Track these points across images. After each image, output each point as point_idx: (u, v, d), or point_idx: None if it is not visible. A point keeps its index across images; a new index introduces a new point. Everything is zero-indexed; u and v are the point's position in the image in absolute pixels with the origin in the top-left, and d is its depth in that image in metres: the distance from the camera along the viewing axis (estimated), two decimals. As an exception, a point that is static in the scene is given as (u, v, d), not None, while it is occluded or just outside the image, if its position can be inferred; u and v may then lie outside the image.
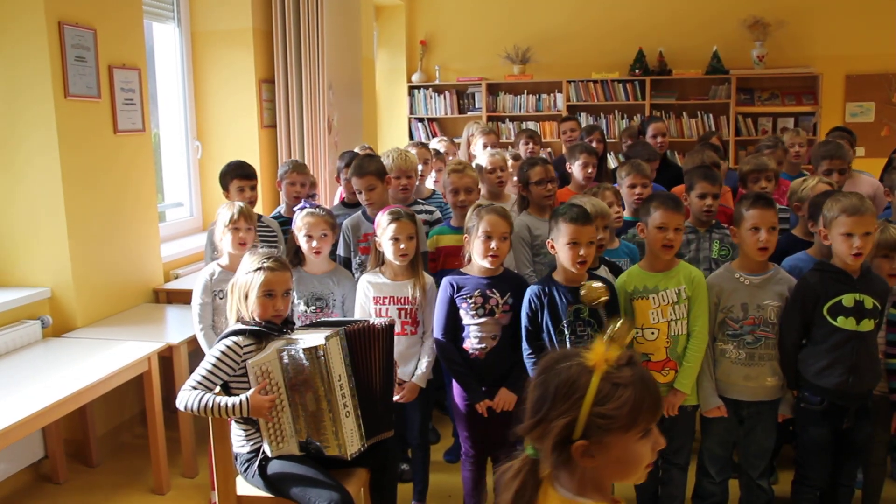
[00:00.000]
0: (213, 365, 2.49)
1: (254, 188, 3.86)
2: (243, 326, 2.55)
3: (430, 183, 4.51)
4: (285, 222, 3.97)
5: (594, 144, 4.89)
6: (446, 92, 8.51)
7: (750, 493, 3.07)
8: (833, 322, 2.76)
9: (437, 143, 5.02)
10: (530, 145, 4.94)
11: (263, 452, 2.56)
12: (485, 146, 4.68)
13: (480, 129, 5.09)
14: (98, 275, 3.93)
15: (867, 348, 2.78)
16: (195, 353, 3.37)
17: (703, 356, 2.89)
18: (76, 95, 3.72)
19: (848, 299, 2.75)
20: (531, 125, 8.15)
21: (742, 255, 2.96)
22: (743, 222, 2.89)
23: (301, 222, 3.17)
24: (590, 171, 4.18)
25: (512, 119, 8.33)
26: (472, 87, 8.45)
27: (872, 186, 4.30)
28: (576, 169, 4.20)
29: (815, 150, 4.19)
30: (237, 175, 3.83)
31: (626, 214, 3.67)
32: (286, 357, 2.48)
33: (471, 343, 2.93)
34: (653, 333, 2.90)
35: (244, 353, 2.52)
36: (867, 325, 2.75)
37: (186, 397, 2.46)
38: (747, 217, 2.87)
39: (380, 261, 3.14)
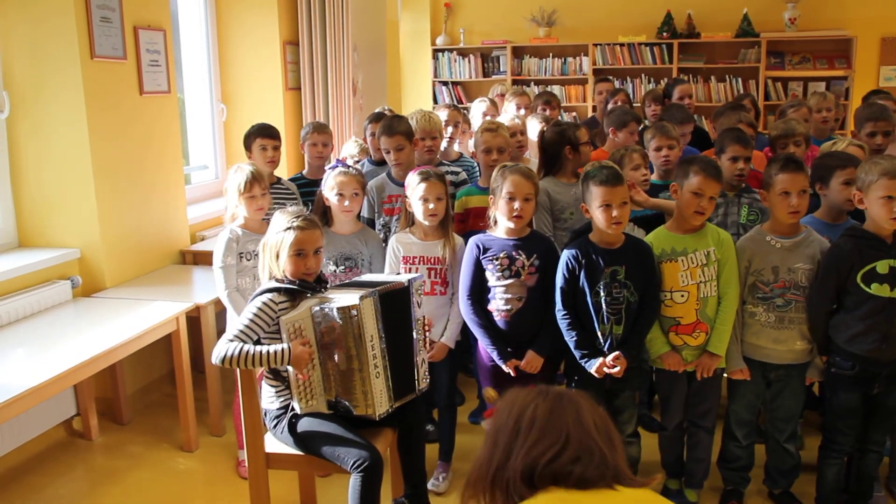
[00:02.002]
0: (251, 320, 2.50)
1: (276, 148, 3.81)
2: (277, 284, 2.56)
3: (458, 145, 4.48)
4: (308, 184, 3.97)
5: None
6: (471, 55, 8.42)
7: (776, 457, 3.06)
8: (867, 289, 2.71)
9: (478, 103, 4.93)
10: (547, 111, 4.88)
11: (293, 409, 2.58)
12: (518, 108, 4.64)
13: (513, 91, 5.04)
14: (126, 236, 3.96)
15: None
16: (222, 314, 3.40)
17: (734, 318, 2.87)
18: (102, 56, 3.72)
19: (882, 266, 2.70)
20: (556, 89, 8.06)
21: (773, 219, 2.91)
22: (773, 186, 2.83)
23: (333, 181, 3.16)
24: (636, 138, 4.13)
25: (537, 83, 8.22)
26: (496, 51, 8.36)
27: None
28: (622, 135, 4.14)
29: (859, 112, 4.10)
30: (259, 134, 3.80)
31: (653, 178, 3.62)
32: (319, 315, 2.49)
33: (496, 304, 2.93)
34: (682, 296, 2.87)
35: (279, 310, 2.53)
36: None
37: (225, 348, 2.44)
38: (777, 181, 2.81)
39: (410, 221, 3.14)
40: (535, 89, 8.09)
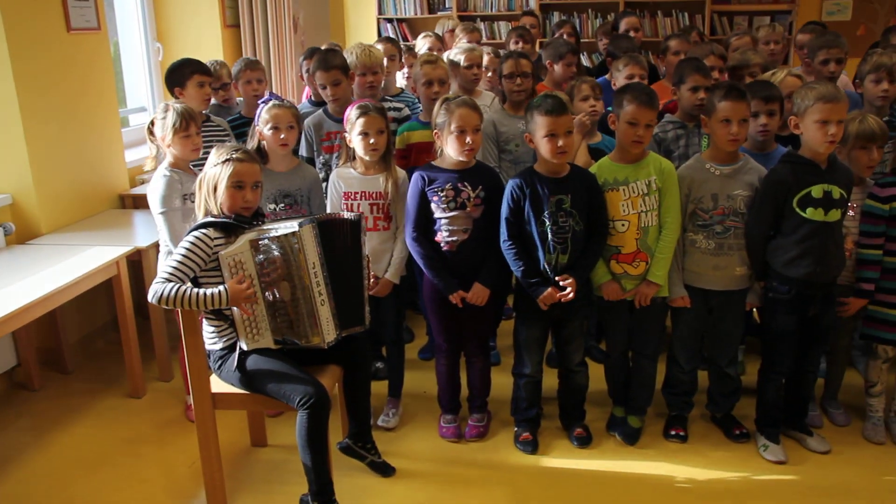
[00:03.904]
0: (184, 256, 2.44)
1: (213, 86, 3.69)
2: (212, 219, 2.50)
3: (400, 81, 4.40)
4: (246, 123, 3.84)
5: (565, 38, 4.79)
6: (416, -10, 8.23)
7: (718, 382, 3.15)
8: (802, 214, 2.76)
9: (422, 39, 4.83)
10: (520, 44, 4.80)
11: (240, 348, 2.55)
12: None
13: (464, 27, 4.95)
14: (60, 180, 3.83)
15: (834, 238, 2.80)
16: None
17: (674, 247, 2.90)
18: (22, -10, 3.53)
19: (817, 190, 2.74)
20: (502, 25, 7.97)
21: (712, 146, 2.93)
22: (715, 113, 2.84)
23: (268, 114, 3.06)
24: (573, 70, 4.10)
25: (483, 18, 8.09)
26: (442, -14, 8.18)
27: (842, 83, 4.28)
28: (559, 68, 4.10)
29: (812, 41, 4.13)
30: (199, 69, 3.59)
31: None
32: (258, 247, 2.45)
33: (442, 237, 2.91)
34: (623, 225, 2.89)
35: (214, 246, 2.47)
36: (835, 214, 2.76)
37: (161, 289, 2.38)
38: (719, 109, 2.82)
39: (350, 156, 3.08)
40: (483, 26, 7.99)
